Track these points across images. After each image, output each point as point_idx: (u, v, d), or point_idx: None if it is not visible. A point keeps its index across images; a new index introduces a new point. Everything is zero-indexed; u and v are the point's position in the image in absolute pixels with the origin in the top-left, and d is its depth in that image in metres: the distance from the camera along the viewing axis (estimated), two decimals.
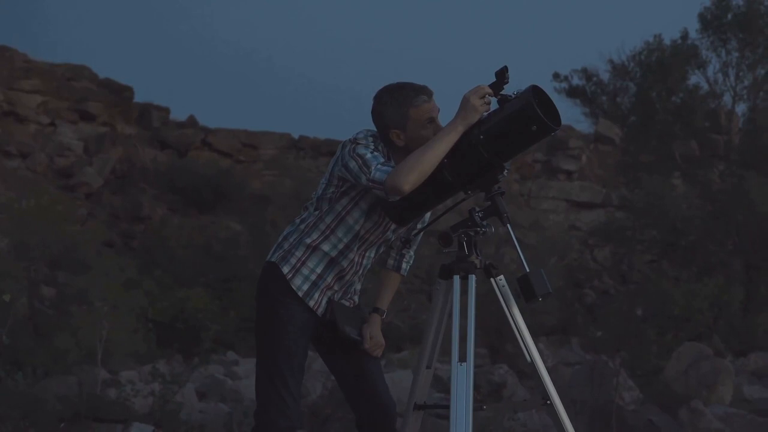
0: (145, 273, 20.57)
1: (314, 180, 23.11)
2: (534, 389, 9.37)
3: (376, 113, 4.27)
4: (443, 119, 4.20)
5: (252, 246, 24.78)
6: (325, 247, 4.29)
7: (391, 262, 4.51)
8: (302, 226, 4.34)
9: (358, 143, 4.20)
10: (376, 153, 4.18)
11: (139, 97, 34.94)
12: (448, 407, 3.99)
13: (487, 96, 4.07)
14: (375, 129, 4.29)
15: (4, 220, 21.71)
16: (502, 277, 4.21)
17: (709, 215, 23.78)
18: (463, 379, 3.97)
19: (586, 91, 33.86)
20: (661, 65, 28.73)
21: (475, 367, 4.04)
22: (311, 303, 4.30)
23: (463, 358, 4.01)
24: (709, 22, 28.32)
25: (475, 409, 4.02)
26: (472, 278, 4.11)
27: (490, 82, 4.07)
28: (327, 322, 4.33)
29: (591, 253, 30.34)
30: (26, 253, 19.68)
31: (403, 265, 4.52)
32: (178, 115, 35.72)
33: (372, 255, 4.38)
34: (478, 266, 4.16)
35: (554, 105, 4.03)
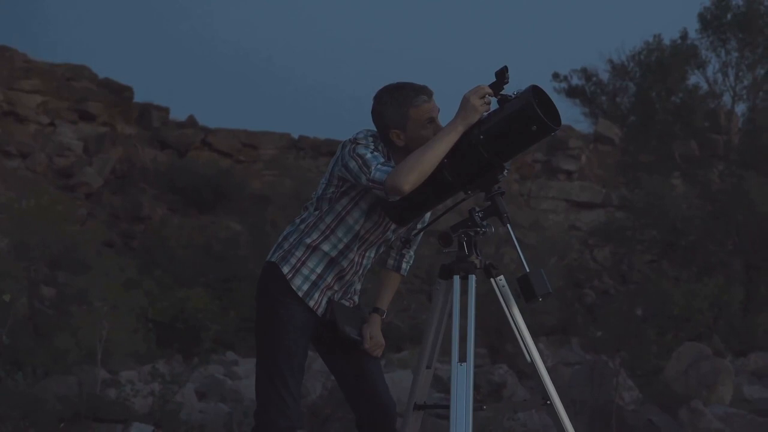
0: (145, 273, 20.56)
1: (314, 180, 23.12)
2: (534, 389, 9.38)
3: (376, 113, 4.27)
4: (443, 119, 4.21)
5: (252, 246, 24.79)
6: (325, 247, 4.29)
7: (391, 262, 4.51)
8: (302, 226, 4.34)
9: (358, 143, 4.20)
10: (376, 153, 4.18)
11: (138, 97, 34.99)
12: (448, 407, 3.99)
13: (487, 96, 4.07)
14: (375, 129, 4.29)
15: (4, 220, 21.71)
16: (502, 277, 4.21)
17: (708, 215, 23.79)
18: (463, 379, 3.97)
19: (586, 91, 33.87)
20: (660, 65, 28.74)
21: (475, 367, 4.04)
22: (311, 303, 4.30)
23: (463, 358, 4.01)
24: (708, 22, 28.33)
25: (475, 409, 4.02)
26: (472, 278, 4.11)
27: (490, 82, 4.07)
28: (327, 322, 4.33)
29: (591, 253, 30.34)
30: (26, 253, 19.68)
31: (403, 265, 4.52)
32: (177, 115, 35.77)
33: (372, 255, 4.39)
34: (478, 266, 4.16)
35: (554, 105, 4.03)
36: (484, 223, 4.14)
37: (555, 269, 23.56)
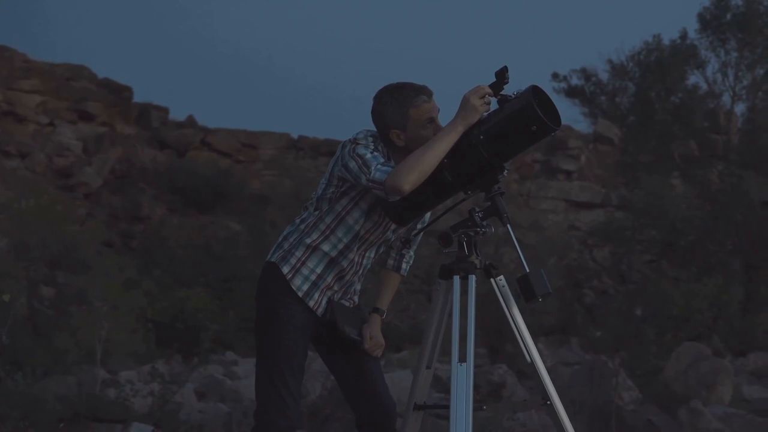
0: (144, 273, 20.56)
1: (313, 180, 23.11)
2: (533, 389, 9.38)
3: (376, 113, 4.27)
4: (443, 119, 4.21)
5: (251, 246, 24.79)
6: (325, 247, 4.29)
7: (391, 262, 4.51)
8: (302, 226, 4.34)
9: (358, 143, 4.20)
10: (376, 153, 4.18)
11: (138, 97, 34.99)
12: (448, 407, 3.99)
13: (487, 96, 4.07)
14: (375, 129, 4.29)
15: (3, 220, 21.70)
16: (502, 277, 4.21)
17: (708, 215, 23.79)
18: (463, 379, 3.97)
19: (585, 91, 33.87)
20: (660, 65, 28.73)
21: (475, 367, 4.04)
22: (311, 303, 4.30)
23: (463, 359, 4.01)
24: (708, 22, 28.32)
25: (474, 410, 4.02)
26: (472, 278, 4.11)
27: (490, 82, 4.07)
28: (327, 322, 4.33)
29: (590, 253, 30.34)
30: (26, 253, 19.68)
31: (403, 266, 4.52)
32: (177, 115, 35.78)
33: (372, 255, 4.38)
34: (478, 266, 4.16)
35: (554, 105, 4.03)
36: (484, 223, 4.14)
37: (554, 269, 23.56)
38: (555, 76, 33.65)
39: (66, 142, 31.83)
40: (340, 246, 4.29)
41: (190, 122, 35.14)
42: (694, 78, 28.99)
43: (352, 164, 4.16)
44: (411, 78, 4.33)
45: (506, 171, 4.11)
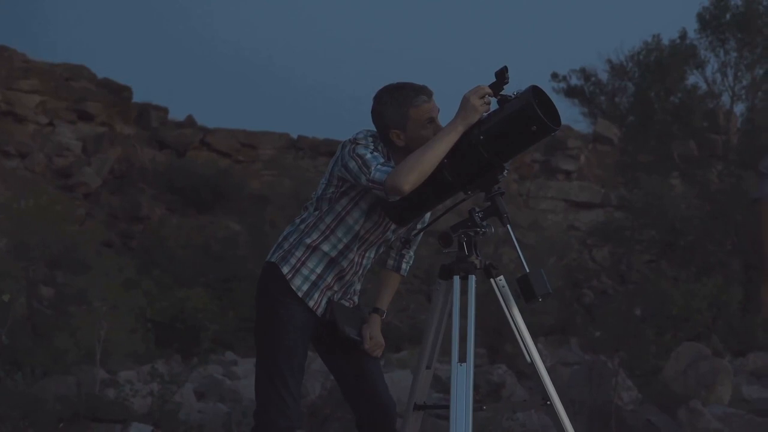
0: (143, 273, 20.55)
1: (313, 180, 23.11)
2: (533, 389, 9.38)
3: (376, 113, 4.27)
4: (443, 119, 4.21)
5: (251, 246, 24.78)
6: (325, 247, 4.29)
7: (390, 262, 4.51)
8: (302, 227, 4.34)
9: (358, 143, 4.21)
10: (375, 153, 4.18)
11: (137, 97, 34.94)
12: (448, 407, 3.99)
13: (487, 96, 4.07)
14: (375, 129, 4.29)
15: (2, 220, 21.69)
16: (502, 277, 4.21)
17: (707, 215, 23.79)
18: (462, 379, 3.98)
19: (585, 91, 33.88)
20: (659, 65, 28.74)
21: (474, 367, 4.05)
22: (311, 303, 4.30)
23: (462, 359, 4.01)
24: (707, 22, 28.32)
25: (474, 410, 4.03)
26: (472, 278, 4.12)
27: (490, 83, 4.08)
28: (327, 322, 4.34)
29: (590, 253, 30.34)
30: (25, 253, 19.67)
31: (403, 266, 4.52)
32: (176, 114, 35.72)
33: (372, 255, 4.39)
34: (478, 266, 4.16)
35: (554, 105, 4.04)
36: (484, 223, 4.14)
37: (554, 269, 23.56)
38: (554, 76, 33.69)
39: (65, 142, 31.83)
40: (340, 246, 4.29)
41: (190, 122, 35.13)
42: (693, 78, 29.02)
43: (352, 164, 4.16)
44: (411, 78, 4.34)
45: (506, 171, 4.12)
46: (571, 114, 34.85)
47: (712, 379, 13.25)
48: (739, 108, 29.42)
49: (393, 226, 4.32)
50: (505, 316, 4.19)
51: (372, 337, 4.40)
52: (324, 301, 4.33)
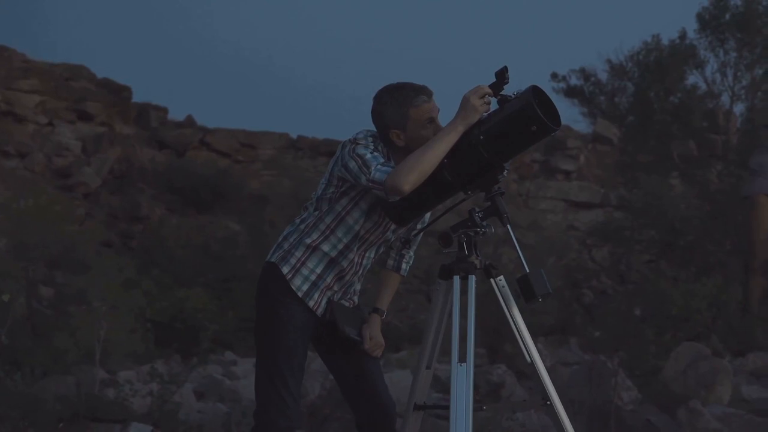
0: (143, 273, 20.55)
1: (313, 180, 23.11)
2: (533, 389, 9.38)
3: (376, 113, 4.27)
4: (443, 119, 4.21)
5: (251, 246, 24.78)
6: (325, 247, 4.29)
7: (390, 262, 4.51)
8: (302, 227, 4.34)
9: (358, 143, 4.21)
10: (375, 153, 4.18)
11: (137, 97, 34.93)
12: (447, 407, 3.99)
13: (487, 96, 4.07)
14: (375, 129, 4.29)
15: (2, 220, 21.68)
16: (502, 277, 4.21)
17: (707, 215, 23.79)
18: (462, 379, 3.98)
19: (584, 91, 33.86)
20: (659, 65, 28.74)
21: (474, 367, 4.05)
22: (311, 303, 4.30)
23: (462, 359, 4.01)
24: (707, 22, 28.32)
25: (474, 410, 4.03)
26: (472, 278, 4.12)
27: (490, 83, 4.08)
28: (327, 322, 4.34)
29: (589, 253, 30.33)
30: (25, 253, 19.67)
31: (403, 266, 4.52)
32: (176, 114, 35.71)
33: (372, 255, 4.39)
34: (478, 267, 4.16)
35: (554, 105, 4.04)
36: (484, 223, 4.14)
37: (553, 269, 23.55)
38: (554, 76, 33.66)
39: (65, 142, 31.82)
40: (340, 246, 4.29)
41: (189, 122, 35.12)
42: (693, 78, 29.01)
43: (352, 164, 4.16)
44: (411, 78, 4.34)
45: (506, 171, 4.12)
46: (570, 114, 34.84)
47: (711, 379, 13.26)
48: (739, 108, 29.42)
49: (393, 226, 4.32)
50: (505, 316, 4.19)
51: (372, 337, 4.40)
52: (324, 301, 4.33)
